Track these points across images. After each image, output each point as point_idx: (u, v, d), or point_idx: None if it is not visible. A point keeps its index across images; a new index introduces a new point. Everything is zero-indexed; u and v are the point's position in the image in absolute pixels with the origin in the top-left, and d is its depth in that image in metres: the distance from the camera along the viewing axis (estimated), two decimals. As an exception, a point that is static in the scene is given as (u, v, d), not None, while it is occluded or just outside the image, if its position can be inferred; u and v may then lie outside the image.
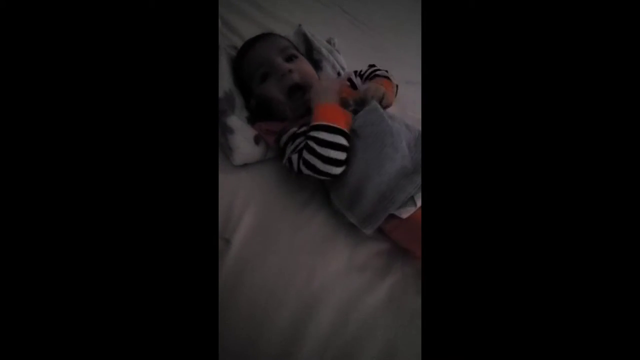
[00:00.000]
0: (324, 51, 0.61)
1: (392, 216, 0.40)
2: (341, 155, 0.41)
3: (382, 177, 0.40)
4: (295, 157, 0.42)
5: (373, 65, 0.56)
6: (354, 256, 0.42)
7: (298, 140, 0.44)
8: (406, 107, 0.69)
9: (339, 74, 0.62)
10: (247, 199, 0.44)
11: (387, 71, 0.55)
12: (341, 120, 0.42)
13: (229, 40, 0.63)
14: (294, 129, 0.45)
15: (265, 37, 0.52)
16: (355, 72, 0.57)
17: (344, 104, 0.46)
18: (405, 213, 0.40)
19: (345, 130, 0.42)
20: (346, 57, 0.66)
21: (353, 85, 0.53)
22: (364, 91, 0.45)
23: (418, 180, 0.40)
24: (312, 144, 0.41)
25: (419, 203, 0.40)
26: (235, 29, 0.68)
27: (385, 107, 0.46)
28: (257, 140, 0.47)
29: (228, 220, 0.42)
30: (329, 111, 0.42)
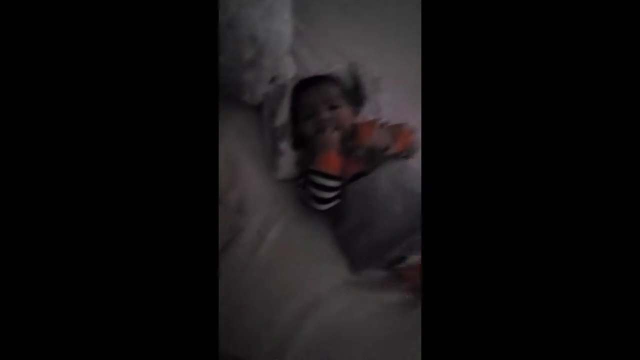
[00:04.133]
0: (369, 90, 0.70)
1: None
2: (328, 195, 0.53)
3: (372, 232, 0.51)
4: (299, 190, 0.57)
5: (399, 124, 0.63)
6: (359, 271, 0.52)
7: (302, 179, 0.57)
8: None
9: (378, 111, 0.71)
10: (282, 207, 0.57)
11: (405, 125, 0.61)
12: (334, 166, 0.54)
13: (296, 69, 0.74)
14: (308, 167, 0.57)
15: (318, 82, 0.63)
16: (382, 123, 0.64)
17: (351, 150, 0.56)
18: (402, 264, 0.51)
19: (335, 174, 0.53)
20: (392, 94, 0.74)
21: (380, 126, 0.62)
22: (370, 139, 0.54)
23: (407, 241, 0.49)
24: (308, 185, 0.54)
25: (409, 261, 0.50)
26: (301, 58, 0.79)
27: (391, 154, 0.55)
28: (298, 163, 0.60)
29: (266, 221, 0.54)
30: (324, 159, 0.54)
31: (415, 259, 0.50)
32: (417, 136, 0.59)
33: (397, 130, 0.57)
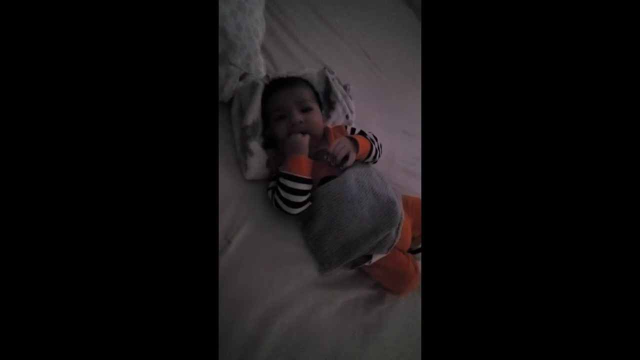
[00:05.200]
0: (339, 95, 0.72)
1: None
2: (299, 199, 0.53)
3: (341, 232, 0.53)
4: (269, 193, 0.56)
5: (360, 131, 0.65)
6: (328, 272, 0.53)
7: (272, 182, 0.57)
8: (395, 157, 0.81)
9: (347, 116, 0.74)
10: (250, 208, 0.55)
11: (368, 134, 0.63)
12: (305, 169, 0.54)
13: (267, 68, 0.73)
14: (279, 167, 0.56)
15: (291, 83, 0.62)
16: (353, 129, 0.66)
17: (319, 155, 0.57)
18: (368, 262, 0.53)
19: (306, 177, 0.53)
20: (357, 101, 0.78)
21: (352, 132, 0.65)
22: (332, 147, 0.55)
23: (374, 241, 0.52)
24: (279, 189, 0.54)
25: (374, 259, 0.52)
26: (271, 55, 0.78)
27: (350, 162, 0.55)
28: (268, 163, 0.58)
29: (233, 223, 0.52)
30: (296, 162, 0.54)
31: (379, 257, 0.53)
32: (378, 144, 0.62)
33: (358, 137, 0.58)
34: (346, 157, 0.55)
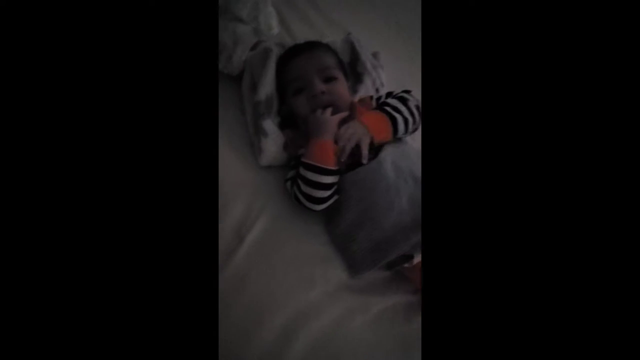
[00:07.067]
0: (368, 65, 0.61)
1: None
2: (324, 194, 0.44)
3: (375, 228, 0.43)
4: (288, 185, 0.47)
5: (391, 93, 0.53)
6: (359, 274, 0.44)
7: (292, 172, 0.47)
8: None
9: (377, 90, 0.62)
10: (266, 199, 0.47)
11: (407, 93, 0.50)
12: (331, 158, 0.44)
13: (280, 37, 0.64)
14: (301, 151, 0.46)
15: (311, 49, 0.52)
16: (379, 97, 0.54)
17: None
18: (408, 264, 0.43)
19: (331, 168, 0.44)
20: (388, 71, 0.66)
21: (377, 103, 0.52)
22: (338, 138, 0.44)
23: (414, 237, 0.41)
24: (299, 181, 0.44)
25: (415, 260, 0.42)
26: (288, 24, 0.69)
27: (365, 153, 0.44)
28: (285, 146, 0.49)
29: (246, 217, 0.45)
30: (320, 149, 0.44)
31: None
32: (407, 111, 0.48)
33: (367, 117, 0.47)
34: (358, 147, 0.44)
